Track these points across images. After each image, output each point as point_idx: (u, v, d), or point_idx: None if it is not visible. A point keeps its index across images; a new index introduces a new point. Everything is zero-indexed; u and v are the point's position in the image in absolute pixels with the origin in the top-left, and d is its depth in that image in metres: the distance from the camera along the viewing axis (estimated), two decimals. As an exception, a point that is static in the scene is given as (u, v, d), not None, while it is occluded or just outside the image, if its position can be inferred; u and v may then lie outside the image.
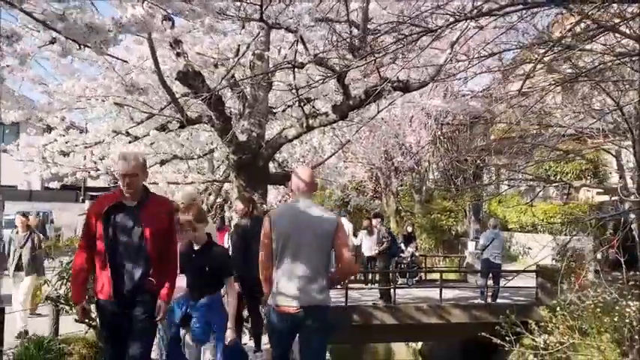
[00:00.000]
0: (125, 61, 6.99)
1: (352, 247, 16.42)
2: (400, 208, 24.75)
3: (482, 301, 13.29)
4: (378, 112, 9.13)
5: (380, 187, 25.25)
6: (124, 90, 6.52)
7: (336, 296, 12.89)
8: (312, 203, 4.60)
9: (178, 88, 9.01)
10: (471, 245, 19.33)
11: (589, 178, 19.21)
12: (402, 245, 17.84)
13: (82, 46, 3.49)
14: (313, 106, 9.20)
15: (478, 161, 28.34)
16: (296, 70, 7.59)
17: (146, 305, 4.41)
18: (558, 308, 9.97)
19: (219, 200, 14.16)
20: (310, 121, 8.64)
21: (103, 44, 3.31)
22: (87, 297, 4.68)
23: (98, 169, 10.04)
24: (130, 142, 9.30)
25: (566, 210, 19.32)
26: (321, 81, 6.57)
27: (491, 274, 13.87)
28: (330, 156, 10.69)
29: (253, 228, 6.72)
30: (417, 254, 17.92)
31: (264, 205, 9.33)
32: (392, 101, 9.26)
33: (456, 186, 28.14)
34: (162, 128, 9.23)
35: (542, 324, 10.52)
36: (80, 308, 4.57)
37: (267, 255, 4.47)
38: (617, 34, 6.23)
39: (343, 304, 12.44)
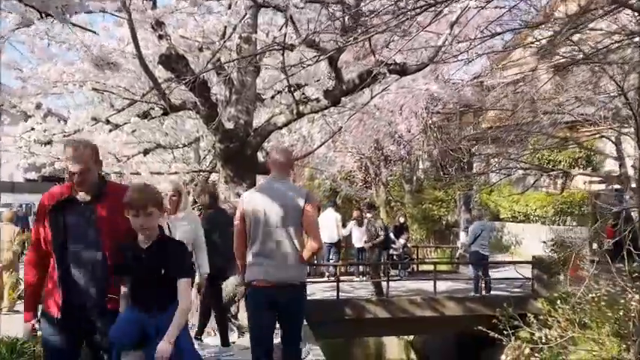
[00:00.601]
0: (93, 32, 6.43)
1: (342, 239, 16.03)
2: (390, 198, 24.36)
3: (477, 294, 12.94)
4: (372, 98, 8.70)
5: (370, 177, 24.85)
6: (93, 66, 6.01)
7: (327, 289, 12.53)
8: (287, 181, 4.72)
9: (161, 73, 8.56)
10: (462, 235, 18.96)
11: (582, 166, 18.88)
12: (393, 236, 17.52)
13: (42, 14, 3.03)
14: (304, 93, 8.75)
15: (471, 150, 28.18)
16: (286, 53, 7.13)
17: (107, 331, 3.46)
18: (559, 301, 9.63)
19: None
20: (301, 108, 8.21)
21: (65, 10, 2.84)
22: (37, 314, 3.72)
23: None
24: (110, 131, 8.83)
25: (559, 199, 19.01)
26: (312, 62, 6.08)
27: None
28: (321, 145, 10.26)
29: (214, 219, 7.01)
30: (409, 245, 17.54)
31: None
32: (386, 86, 8.84)
33: (446, 175, 27.86)
34: (145, 115, 8.77)
35: (542, 317, 10.21)
36: (29, 326, 3.67)
37: (243, 241, 4.55)
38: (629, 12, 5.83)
39: (335, 297, 12.05)
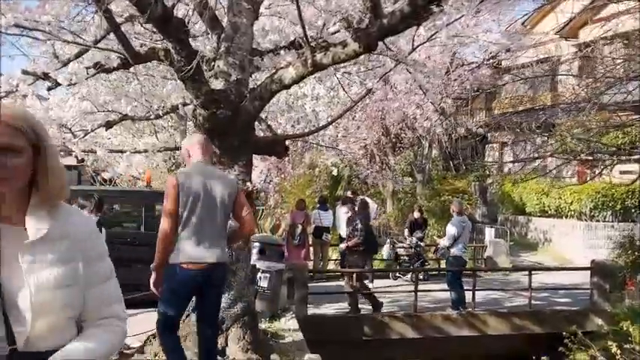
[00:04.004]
0: None
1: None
2: (398, 189, 21.85)
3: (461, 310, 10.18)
4: (414, 49, 6.19)
5: (376, 166, 22.32)
6: None
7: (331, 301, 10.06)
8: (210, 166, 4.96)
9: (121, 7, 6.06)
10: (488, 232, 16.53)
11: (625, 153, 16.44)
12: (407, 233, 15.06)
13: None
14: (322, 37, 6.21)
15: (486, 136, 25.79)
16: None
17: None
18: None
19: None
20: (318, 57, 5.70)
21: None
22: None
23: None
24: (49, 90, 6.30)
25: (600, 191, 16.58)
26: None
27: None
28: (339, 116, 7.70)
29: None
30: (422, 244, 15.00)
31: (248, 183, 6.41)
32: (434, 32, 6.32)
33: (458, 164, 25.47)
34: (99, 68, 6.21)
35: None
36: None
37: (173, 226, 4.51)
38: None
39: (350, 313, 9.60)
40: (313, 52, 5.71)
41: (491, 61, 20.63)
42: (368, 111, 18.69)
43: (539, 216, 18.81)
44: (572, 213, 17.31)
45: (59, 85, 6.18)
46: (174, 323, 4.80)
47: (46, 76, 6.12)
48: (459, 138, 24.89)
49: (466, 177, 23.48)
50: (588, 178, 17.49)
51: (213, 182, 4.63)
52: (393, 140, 21.89)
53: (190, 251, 4.49)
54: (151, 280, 4.61)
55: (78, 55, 6.49)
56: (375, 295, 10.21)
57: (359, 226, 10.11)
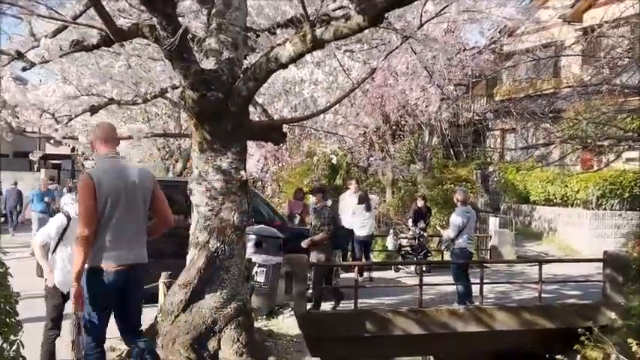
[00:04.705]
0: None
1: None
2: (398, 177, 21.29)
3: (468, 304, 9.69)
4: (422, 25, 5.66)
5: (378, 153, 21.76)
6: None
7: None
8: (120, 159, 4.68)
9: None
10: (492, 222, 16.02)
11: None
12: (411, 223, 14.56)
13: None
14: (325, 14, 5.65)
15: (486, 123, 25.24)
16: None
17: None
18: None
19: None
20: (318, 32, 5.15)
21: None
22: None
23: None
24: (24, 70, 5.75)
25: (607, 179, 16.08)
26: None
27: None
28: (338, 101, 7.13)
29: None
30: (425, 234, 14.49)
31: (242, 172, 5.89)
32: (444, 7, 5.78)
33: (462, 151, 24.96)
34: (78, 46, 5.66)
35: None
36: None
37: (92, 226, 4.25)
38: None
39: (352, 308, 9.11)
40: (313, 27, 5.17)
41: (492, 46, 20.15)
42: (368, 97, 18.18)
43: (543, 204, 18.33)
44: (579, 201, 16.82)
45: (34, 65, 5.63)
46: (102, 336, 4.51)
47: (20, 55, 5.57)
48: (459, 125, 24.42)
49: (467, 165, 22.97)
50: (595, 166, 17.03)
51: (130, 178, 4.45)
52: (393, 127, 21.36)
53: (113, 253, 4.32)
54: (72, 293, 4.31)
55: (56, 33, 5.95)
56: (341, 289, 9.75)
57: (326, 220, 9.44)
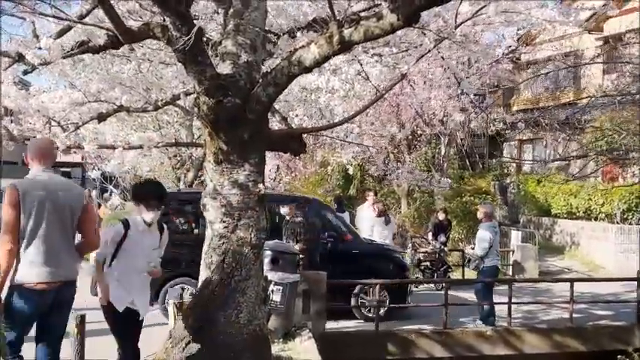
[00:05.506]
0: None
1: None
2: (414, 188, 20.74)
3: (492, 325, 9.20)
4: (458, 26, 5.18)
5: (390, 163, 21.25)
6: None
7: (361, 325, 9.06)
8: (55, 174, 4.50)
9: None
10: (514, 236, 15.44)
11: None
12: (431, 236, 14.06)
13: None
14: (355, 13, 5.18)
15: (504, 134, 24.69)
16: None
17: None
18: None
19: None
20: (346, 33, 4.68)
21: None
22: None
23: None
24: (25, 73, 5.32)
25: (633, 192, 15.48)
26: None
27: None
28: (364, 108, 6.61)
29: None
30: (445, 249, 13.99)
31: (260, 185, 5.41)
32: (481, 7, 5.29)
33: (479, 162, 24.38)
34: (83, 47, 5.21)
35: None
36: None
37: (16, 239, 4.13)
38: None
39: (373, 328, 8.60)
40: (340, 27, 4.70)
41: (511, 55, 19.69)
42: (384, 106, 17.77)
43: (565, 217, 17.73)
44: (603, 215, 16.22)
45: (35, 68, 5.19)
46: (18, 348, 4.29)
47: (20, 58, 5.13)
48: (476, 135, 23.92)
49: (484, 176, 22.41)
50: (621, 179, 16.48)
51: (60, 193, 4.30)
52: (409, 137, 20.87)
53: (37, 269, 4.17)
54: None
55: (61, 34, 5.52)
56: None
57: (297, 233, 8.96)
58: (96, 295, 5.07)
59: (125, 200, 19.94)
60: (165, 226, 5.23)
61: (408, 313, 9.74)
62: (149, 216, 4.89)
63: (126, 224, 4.93)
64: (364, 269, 9.33)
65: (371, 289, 9.27)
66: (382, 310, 9.21)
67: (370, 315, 9.29)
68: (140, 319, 5.00)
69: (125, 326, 4.94)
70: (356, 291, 9.37)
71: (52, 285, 4.20)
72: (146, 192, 5.01)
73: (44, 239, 4.17)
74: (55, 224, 4.24)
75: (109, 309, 4.90)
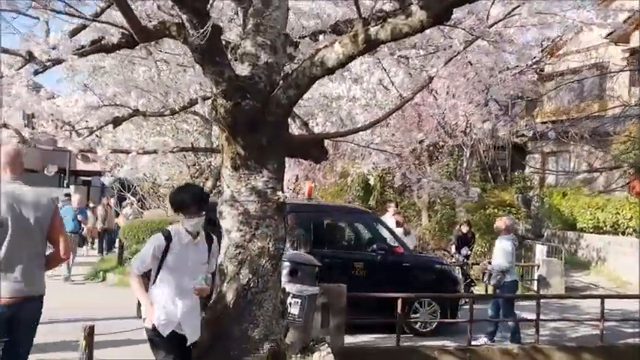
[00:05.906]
0: None
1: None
2: (435, 200, 20.40)
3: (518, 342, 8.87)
4: (492, 25, 4.90)
5: (412, 173, 20.91)
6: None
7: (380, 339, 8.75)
8: (23, 184, 4.26)
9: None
10: (539, 250, 15.02)
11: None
12: (453, 249, 13.74)
13: None
14: (381, 10, 4.92)
15: (526, 145, 24.29)
16: None
17: None
18: None
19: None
20: (372, 31, 4.42)
21: None
22: None
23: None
24: (36, 74, 5.11)
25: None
26: None
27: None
28: (393, 111, 6.31)
29: None
30: (469, 262, 13.65)
31: (279, 193, 5.14)
32: (515, 7, 5.01)
33: (501, 174, 23.99)
34: (96, 45, 5.00)
35: None
36: None
37: None
38: None
39: (394, 344, 8.25)
40: (366, 25, 4.43)
41: (535, 66, 19.36)
42: (405, 116, 17.50)
43: (591, 232, 17.25)
44: (631, 230, 15.74)
45: (47, 68, 4.99)
46: None
47: (31, 57, 4.92)
48: (498, 147, 23.54)
49: (506, 188, 22.00)
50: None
51: (26, 204, 4.09)
52: (430, 149, 20.57)
53: (2, 283, 3.98)
54: None
55: (74, 33, 5.31)
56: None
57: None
58: (140, 317, 4.61)
59: (142, 209, 19.78)
60: (214, 236, 4.71)
61: (456, 329, 9.49)
62: (189, 223, 4.41)
63: (167, 236, 4.44)
64: (415, 282, 9.21)
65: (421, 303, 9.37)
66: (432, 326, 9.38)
67: (422, 330, 9.37)
68: (188, 344, 4.49)
69: (169, 352, 4.41)
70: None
71: (10, 300, 3.97)
72: (182, 198, 4.50)
73: (6, 252, 3.98)
74: (18, 237, 4.03)
75: (153, 333, 4.42)
